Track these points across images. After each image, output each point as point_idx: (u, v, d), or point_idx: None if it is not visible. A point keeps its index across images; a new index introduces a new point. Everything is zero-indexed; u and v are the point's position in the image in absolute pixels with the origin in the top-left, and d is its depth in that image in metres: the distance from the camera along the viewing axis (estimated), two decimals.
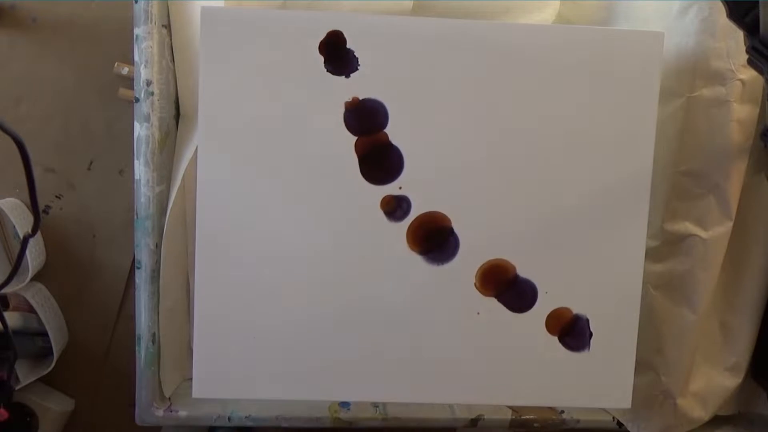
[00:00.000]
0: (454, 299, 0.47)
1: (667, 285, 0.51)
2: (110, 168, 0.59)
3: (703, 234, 0.49)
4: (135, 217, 0.49)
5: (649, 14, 0.51)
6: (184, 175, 0.49)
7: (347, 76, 0.45)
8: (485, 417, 0.54)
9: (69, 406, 0.61)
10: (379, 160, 0.46)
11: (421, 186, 0.46)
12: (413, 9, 0.51)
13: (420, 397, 0.49)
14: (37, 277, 0.58)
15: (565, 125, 0.47)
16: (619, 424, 0.55)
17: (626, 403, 0.49)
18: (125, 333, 0.61)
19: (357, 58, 0.45)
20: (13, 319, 0.57)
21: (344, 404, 0.53)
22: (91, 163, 0.58)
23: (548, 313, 0.48)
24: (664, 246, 0.51)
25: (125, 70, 0.55)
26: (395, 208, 0.47)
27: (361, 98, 0.46)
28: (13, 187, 0.58)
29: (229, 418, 0.52)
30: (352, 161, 0.46)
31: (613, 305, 0.48)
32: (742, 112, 0.47)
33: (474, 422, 0.54)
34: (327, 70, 0.45)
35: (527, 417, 0.54)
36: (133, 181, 0.49)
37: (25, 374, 0.57)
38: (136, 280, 0.49)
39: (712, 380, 0.54)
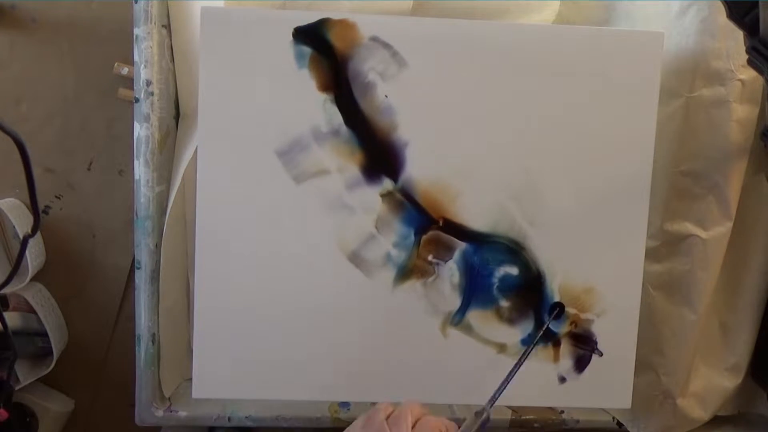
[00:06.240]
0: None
1: (667, 285, 0.51)
2: (110, 168, 0.59)
3: (703, 234, 0.49)
4: (135, 217, 0.49)
5: (649, 14, 0.51)
6: (184, 175, 0.49)
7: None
8: None
9: (69, 406, 0.61)
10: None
11: (421, 184, 0.47)
12: (413, 9, 0.51)
13: (420, 397, 0.49)
14: (37, 277, 0.58)
15: (565, 125, 0.47)
16: (619, 424, 0.55)
17: (626, 403, 0.49)
18: (125, 333, 0.61)
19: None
20: (13, 319, 0.57)
21: (344, 404, 0.53)
22: (90, 163, 0.58)
23: None
24: (664, 246, 0.51)
25: (125, 70, 0.55)
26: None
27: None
28: (13, 187, 0.58)
29: (229, 418, 0.52)
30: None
31: (613, 305, 0.48)
32: (742, 112, 0.47)
33: None
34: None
35: (527, 417, 0.54)
36: (133, 181, 0.49)
37: (25, 374, 0.57)
38: (136, 280, 0.49)
39: (712, 380, 0.53)
